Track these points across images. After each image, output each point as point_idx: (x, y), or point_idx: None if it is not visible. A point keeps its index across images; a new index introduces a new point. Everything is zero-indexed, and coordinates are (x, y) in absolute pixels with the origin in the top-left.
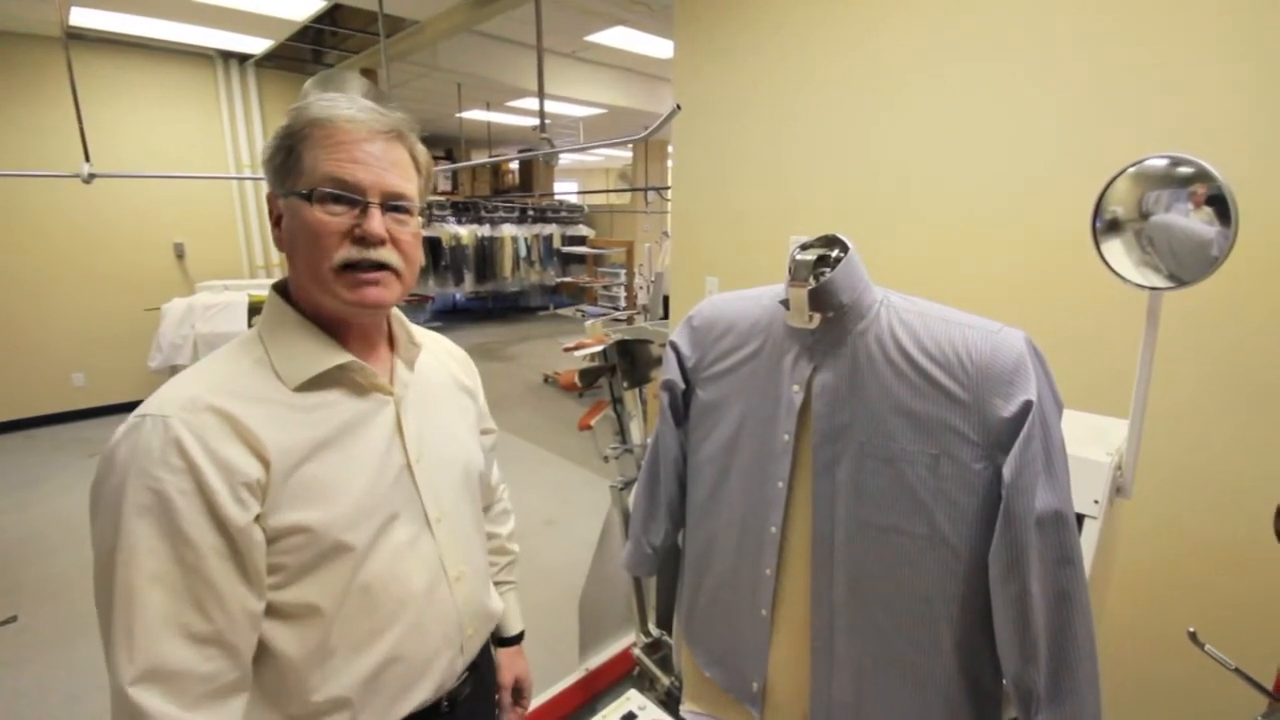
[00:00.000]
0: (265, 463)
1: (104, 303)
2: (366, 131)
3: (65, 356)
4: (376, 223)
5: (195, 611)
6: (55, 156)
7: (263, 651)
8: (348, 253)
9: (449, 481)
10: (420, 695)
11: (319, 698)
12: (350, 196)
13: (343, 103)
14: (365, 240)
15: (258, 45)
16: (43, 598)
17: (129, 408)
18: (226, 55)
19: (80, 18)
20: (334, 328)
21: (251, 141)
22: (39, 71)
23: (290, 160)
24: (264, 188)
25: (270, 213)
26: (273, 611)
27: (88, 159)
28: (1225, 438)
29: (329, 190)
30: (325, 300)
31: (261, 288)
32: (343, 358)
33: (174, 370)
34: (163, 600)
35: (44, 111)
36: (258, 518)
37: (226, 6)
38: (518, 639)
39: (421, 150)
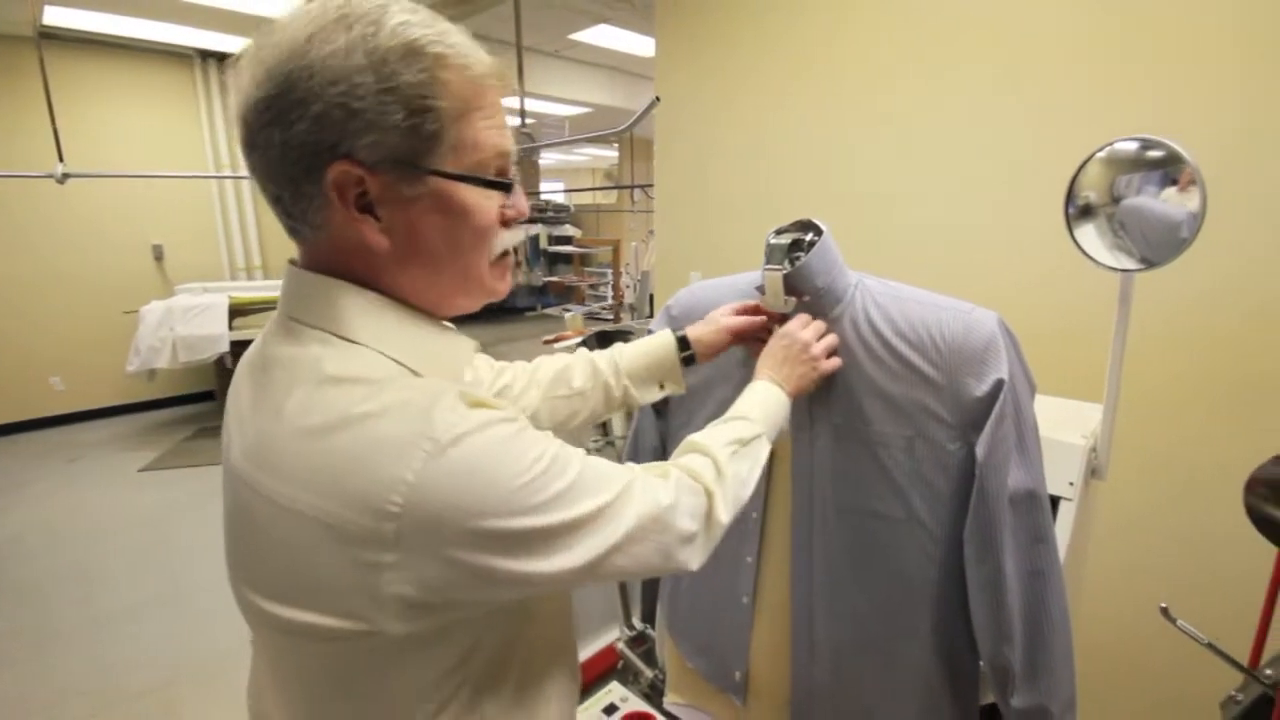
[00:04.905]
0: None
1: (81, 306)
2: (506, 85)
3: (43, 360)
4: (525, 200)
5: None
6: (30, 157)
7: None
8: (503, 240)
9: None
10: None
11: None
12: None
13: (467, 41)
14: (514, 220)
15: (237, 44)
16: (22, 603)
17: (108, 412)
18: (205, 55)
19: (54, 16)
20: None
21: (231, 142)
22: (12, 72)
23: (433, 125)
24: (244, 187)
25: (345, 193)
26: None
27: (61, 159)
28: (1204, 425)
29: (503, 171)
30: (464, 302)
31: (243, 290)
32: (472, 341)
33: (151, 374)
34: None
35: (19, 112)
36: None
37: (205, 5)
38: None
39: None
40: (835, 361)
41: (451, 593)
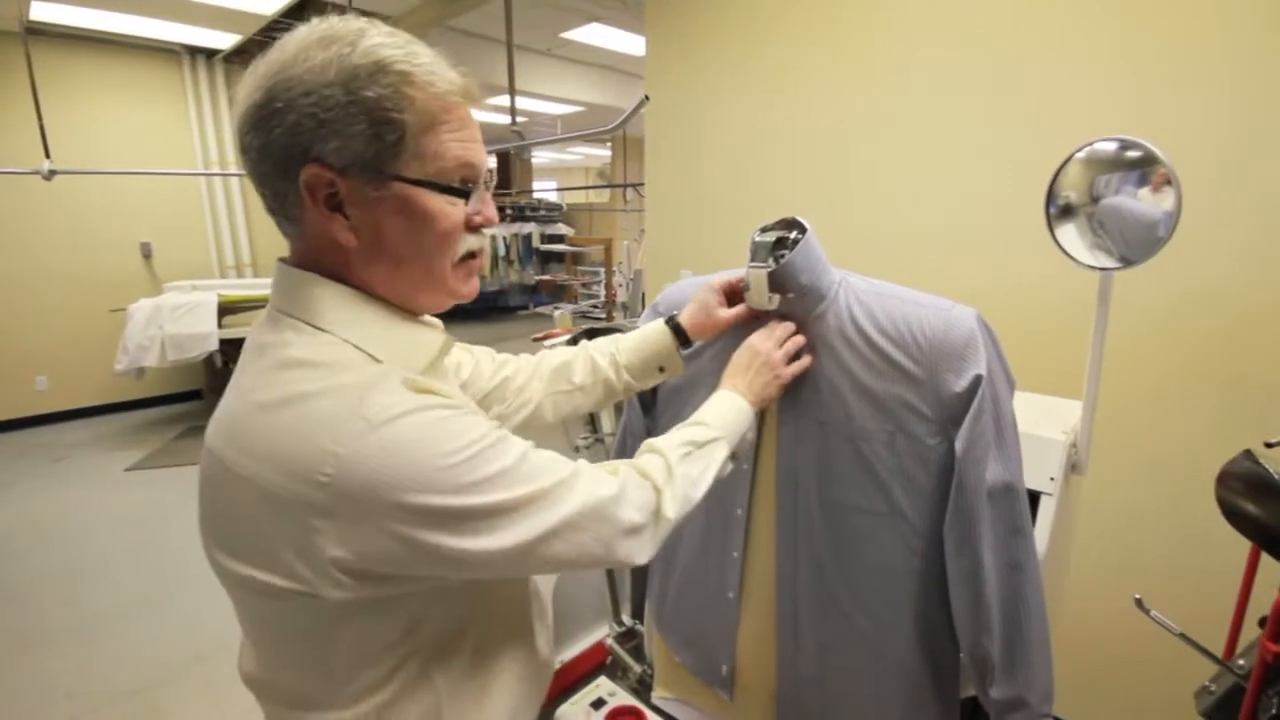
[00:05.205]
0: None
1: (68, 304)
2: (473, 100)
3: (28, 359)
4: (494, 206)
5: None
6: (17, 154)
7: None
8: (468, 243)
9: None
10: None
11: None
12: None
13: (436, 61)
14: (482, 227)
15: (225, 40)
16: (9, 604)
17: (94, 412)
18: (194, 51)
19: (41, 12)
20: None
21: (220, 139)
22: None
23: (394, 135)
24: (234, 185)
25: (316, 193)
26: None
27: (48, 155)
28: (1196, 423)
29: (467, 180)
30: (427, 299)
31: (232, 288)
32: (444, 336)
33: (140, 373)
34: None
35: (5, 109)
36: None
37: (193, 0)
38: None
39: None
40: (799, 365)
41: (389, 565)
